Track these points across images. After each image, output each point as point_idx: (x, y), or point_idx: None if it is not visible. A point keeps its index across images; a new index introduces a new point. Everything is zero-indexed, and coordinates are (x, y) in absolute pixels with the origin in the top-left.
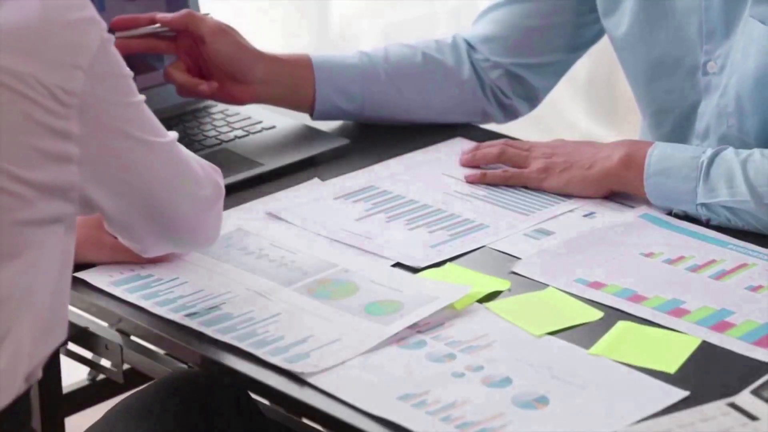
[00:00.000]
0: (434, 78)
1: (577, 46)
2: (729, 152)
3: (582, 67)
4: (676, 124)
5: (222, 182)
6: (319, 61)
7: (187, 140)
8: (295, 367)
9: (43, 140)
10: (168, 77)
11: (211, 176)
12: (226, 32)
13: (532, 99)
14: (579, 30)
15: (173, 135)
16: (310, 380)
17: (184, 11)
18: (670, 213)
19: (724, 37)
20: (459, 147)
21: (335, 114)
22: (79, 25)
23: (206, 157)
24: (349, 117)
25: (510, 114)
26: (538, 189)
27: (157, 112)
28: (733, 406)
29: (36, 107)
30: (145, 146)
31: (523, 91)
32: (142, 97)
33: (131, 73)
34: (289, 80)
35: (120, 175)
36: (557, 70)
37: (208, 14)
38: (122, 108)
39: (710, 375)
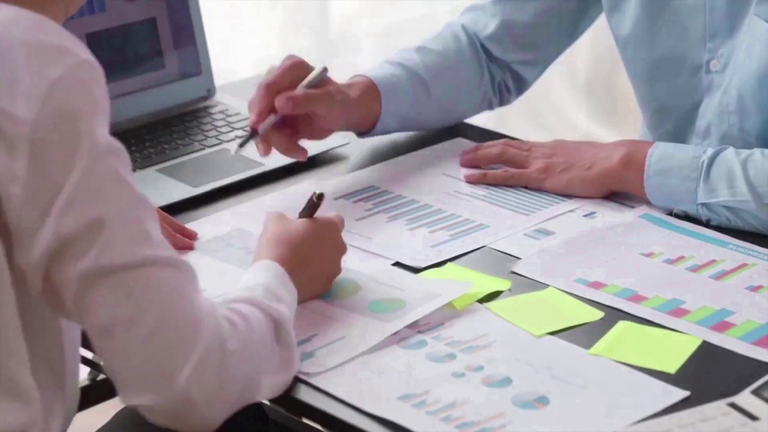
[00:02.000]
0: (467, 89)
1: (575, 36)
2: (729, 152)
3: (582, 67)
4: (678, 123)
5: (232, 342)
6: (386, 94)
7: (187, 140)
8: (301, 367)
9: None
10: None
11: (215, 324)
12: (335, 101)
13: (522, 90)
14: (579, 21)
15: (167, 255)
16: (310, 380)
17: (300, 95)
18: (670, 213)
19: (728, 35)
20: (459, 147)
21: (379, 134)
22: (39, 48)
23: (206, 157)
24: (389, 133)
25: (501, 104)
26: (538, 189)
27: (157, 112)
28: (733, 406)
29: None
30: (104, 238)
31: (515, 85)
32: (127, 174)
33: (120, 146)
34: (362, 118)
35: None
36: (550, 60)
37: (324, 71)
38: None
39: (710, 375)
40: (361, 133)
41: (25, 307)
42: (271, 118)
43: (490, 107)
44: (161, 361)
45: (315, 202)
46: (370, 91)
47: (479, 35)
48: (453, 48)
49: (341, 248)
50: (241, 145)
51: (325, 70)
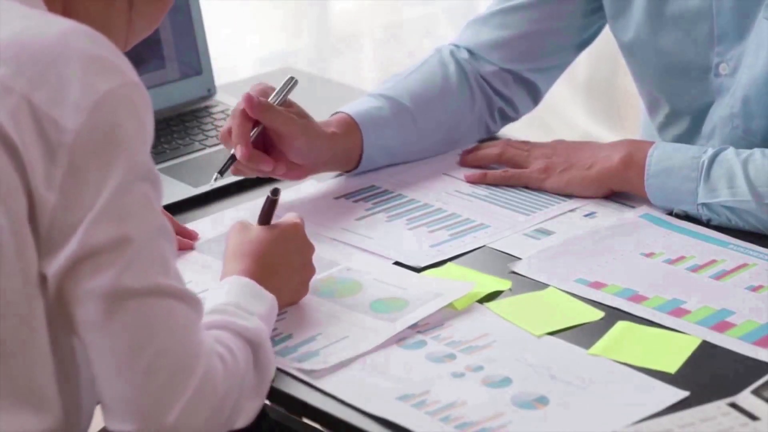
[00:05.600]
0: (457, 116)
1: (583, 45)
2: (729, 152)
3: (582, 67)
4: (688, 126)
5: (223, 384)
6: (366, 126)
7: (187, 140)
8: (305, 366)
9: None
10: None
11: (210, 365)
12: (304, 126)
13: (537, 98)
14: (586, 28)
15: (182, 288)
16: (310, 380)
17: (263, 104)
18: (670, 213)
19: (737, 39)
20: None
21: (367, 168)
22: (93, 62)
23: (206, 157)
24: (378, 167)
25: (507, 121)
26: (538, 189)
27: (158, 112)
28: (733, 406)
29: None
30: (125, 260)
31: (529, 97)
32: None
33: (157, 175)
34: (343, 153)
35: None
36: (561, 68)
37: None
38: (108, 190)
39: (710, 375)
40: (348, 171)
41: (50, 313)
42: (253, 132)
43: (489, 132)
44: (155, 395)
45: (272, 200)
46: (346, 125)
47: (477, 48)
48: (440, 75)
49: (308, 249)
50: (222, 172)
51: (291, 80)
